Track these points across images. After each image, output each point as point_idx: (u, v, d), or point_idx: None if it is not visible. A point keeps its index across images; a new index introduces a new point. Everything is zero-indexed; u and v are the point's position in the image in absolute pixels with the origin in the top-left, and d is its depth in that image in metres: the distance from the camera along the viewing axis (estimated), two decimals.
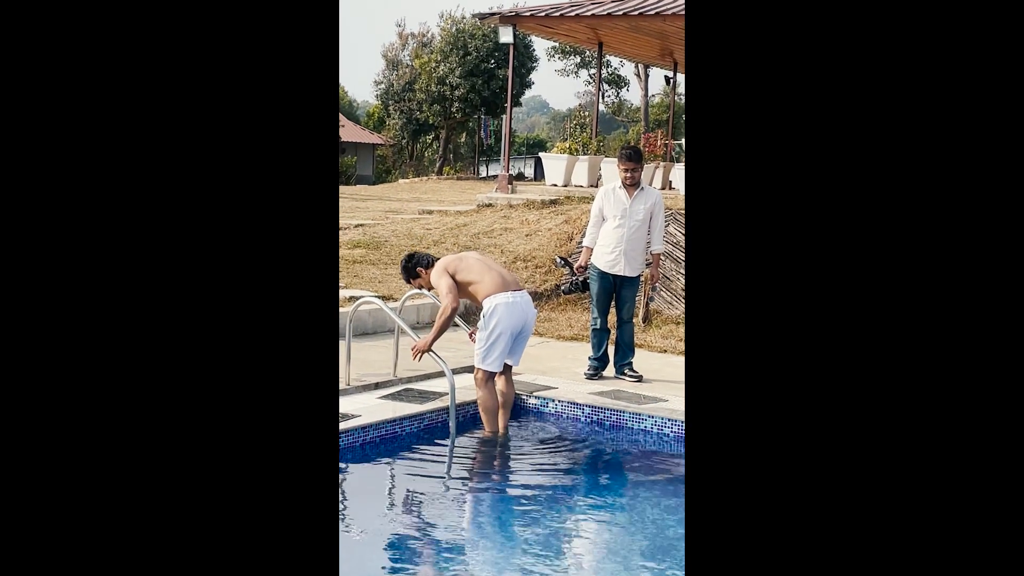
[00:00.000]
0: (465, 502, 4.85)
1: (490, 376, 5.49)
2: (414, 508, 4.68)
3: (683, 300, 9.31)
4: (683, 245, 9.54)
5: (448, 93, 28.04)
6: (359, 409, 5.56)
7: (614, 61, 30.30)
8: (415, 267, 5.72)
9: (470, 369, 5.93)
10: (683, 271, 9.44)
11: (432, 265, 5.64)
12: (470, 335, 5.76)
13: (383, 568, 3.88)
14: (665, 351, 7.89)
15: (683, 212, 9.79)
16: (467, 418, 5.72)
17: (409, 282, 5.86)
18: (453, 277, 5.46)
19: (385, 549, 4.10)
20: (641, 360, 7.12)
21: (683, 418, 5.78)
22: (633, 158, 6.78)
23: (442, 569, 3.94)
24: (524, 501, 4.84)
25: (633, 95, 32.88)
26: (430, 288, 5.77)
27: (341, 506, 4.66)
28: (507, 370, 5.65)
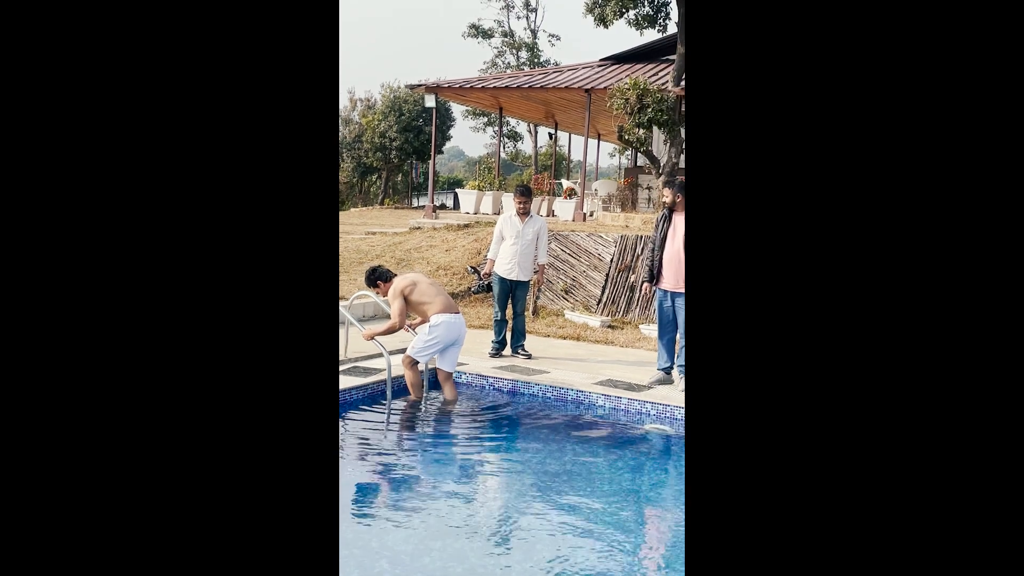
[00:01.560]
0: (399, 447, 4.84)
1: (414, 362, 5.53)
2: (360, 454, 4.64)
3: (560, 298, 9.42)
4: (561, 258, 9.65)
5: (388, 144, 27.76)
6: None
7: (511, 121, 30.42)
8: (376, 279, 5.70)
9: (402, 351, 5.90)
10: (561, 277, 9.55)
11: (390, 280, 5.63)
12: (409, 326, 5.73)
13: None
14: (548, 336, 7.97)
15: (562, 233, 9.90)
16: (399, 388, 5.69)
17: (370, 288, 5.80)
18: (407, 298, 5.46)
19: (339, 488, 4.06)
20: (530, 342, 7.20)
21: (560, 384, 5.86)
22: (525, 193, 6.87)
23: (380, 497, 3.92)
24: (442, 443, 4.85)
25: (526, 146, 33.05)
26: (386, 293, 5.69)
27: None
28: (448, 377, 5.64)
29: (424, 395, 5.66)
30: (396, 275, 5.74)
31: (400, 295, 5.48)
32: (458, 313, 5.61)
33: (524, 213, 6.81)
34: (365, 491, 4.03)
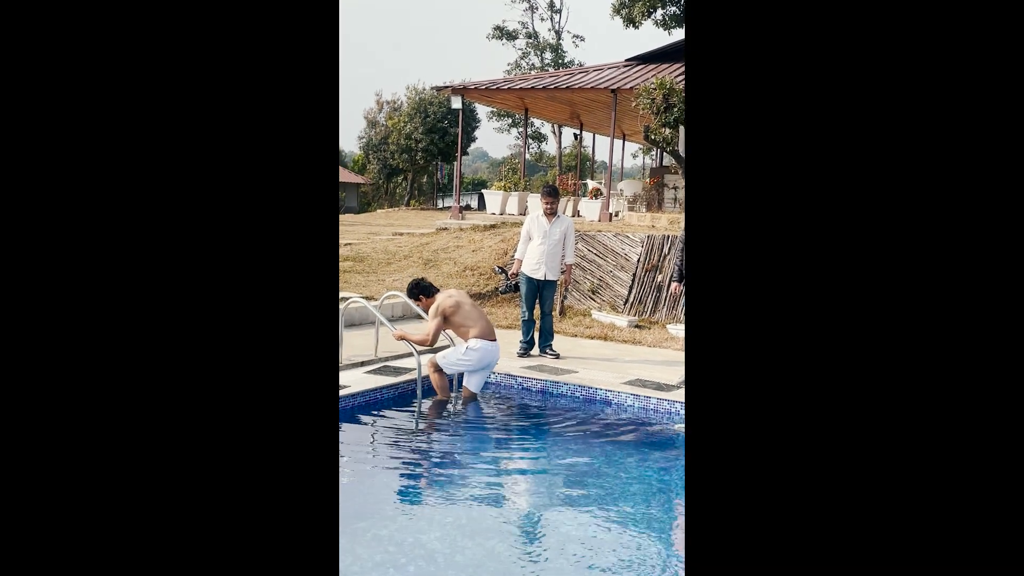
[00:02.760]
0: (429, 446, 4.86)
1: (438, 368, 5.56)
2: (391, 453, 4.68)
3: (587, 298, 9.40)
4: (588, 258, 9.64)
5: (413, 145, 27.90)
6: (350, 381, 5.53)
7: (536, 122, 30.43)
8: (419, 293, 5.70)
9: (431, 352, 5.93)
10: (588, 277, 9.53)
11: (433, 296, 5.63)
12: (398, 337, 5.59)
13: (373, 500, 3.88)
14: (575, 335, 7.97)
15: (588, 233, 9.88)
16: (428, 387, 5.72)
17: (411, 299, 5.79)
18: (447, 317, 5.47)
19: (373, 486, 4.09)
20: (558, 342, 7.20)
21: (589, 384, 5.85)
22: (552, 193, 6.86)
23: (413, 496, 3.95)
24: (472, 443, 4.87)
25: (550, 147, 33.01)
26: (427, 308, 5.69)
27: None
28: (472, 396, 5.66)
29: (452, 395, 5.69)
30: (439, 290, 5.73)
31: (441, 314, 5.48)
32: (495, 341, 5.62)
33: (551, 213, 6.81)
34: (397, 490, 4.06)
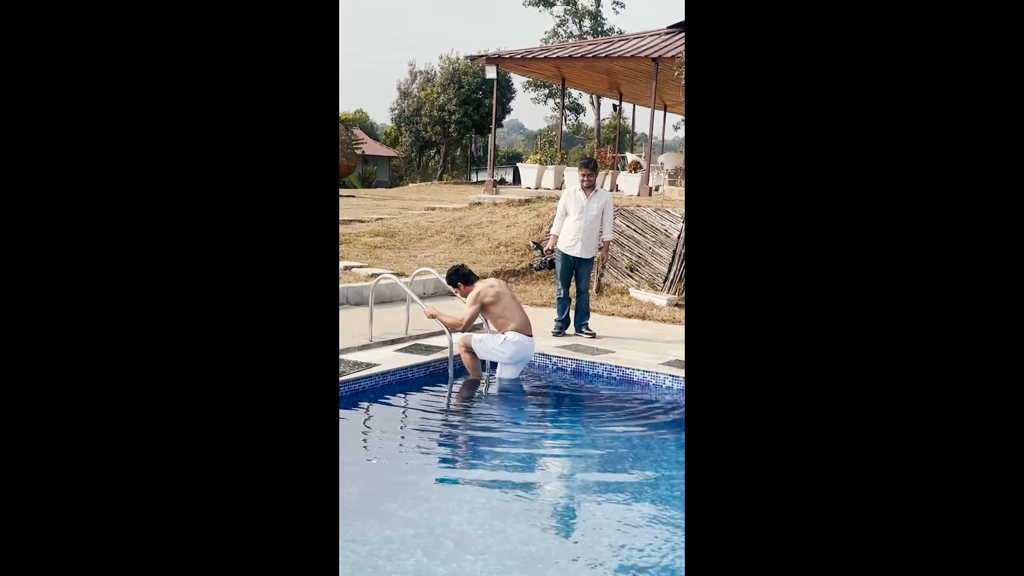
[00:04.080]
0: (461, 425, 4.88)
1: (470, 348, 5.56)
2: (422, 432, 4.70)
3: (625, 276, 9.32)
4: (626, 234, 9.54)
5: (447, 117, 27.84)
6: (379, 359, 5.55)
7: (574, 92, 30.14)
8: (457, 280, 5.69)
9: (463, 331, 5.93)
10: (626, 254, 9.45)
11: (472, 283, 5.63)
12: (429, 314, 5.64)
13: (404, 481, 3.90)
14: (612, 314, 7.91)
15: (627, 209, 9.78)
16: (460, 368, 5.72)
17: (450, 286, 5.78)
18: (486, 307, 5.49)
19: (402, 467, 4.12)
20: (594, 321, 7.15)
21: (626, 364, 5.81)
22: (589, 166, 6.78)
23: (444, 477, 3.96)
24: (505, 424, 4.87)
25: (588, 119, 32.71)
26: (464, 295, 5.68)
27: (364, 434, 4.66)
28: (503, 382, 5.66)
29: (484, 375, 5.69)
30: (479, 279, 5.73)
31: (478, 302, 5.49)
32: (532, 336, 5.62)
33: (589, 187, 6.73)
34: (427, 471, 4.08)
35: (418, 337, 6.33)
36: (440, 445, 4.50)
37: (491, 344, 5.53)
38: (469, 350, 5.59)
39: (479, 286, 5.57)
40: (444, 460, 4.28)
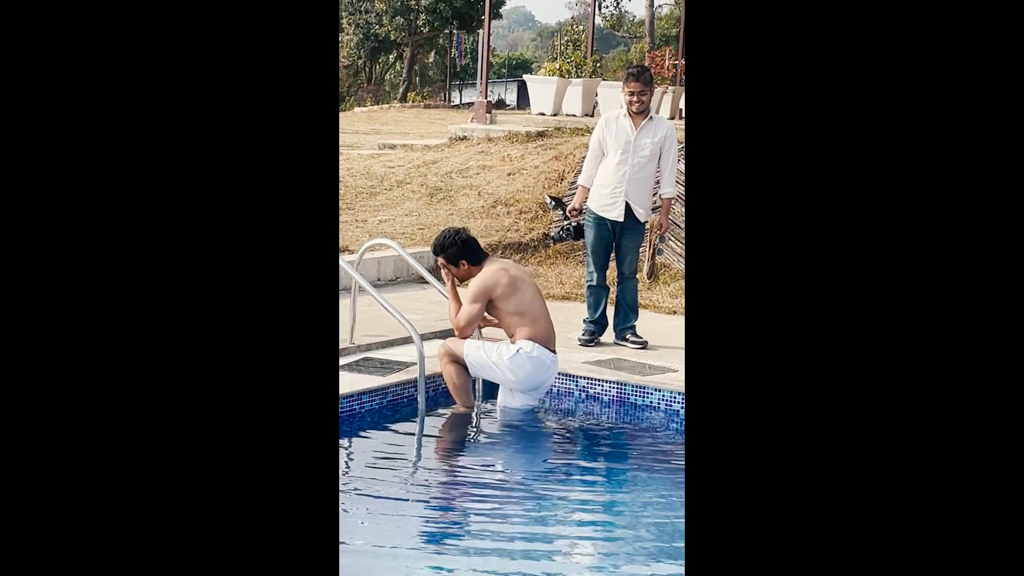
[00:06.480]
0: (436, 497, 4.80)
1: (456, 358, 5.45)
2: (372, 512, 4.59)
3: None
4: None
5: (413, 3, 27.78)
6: None
7: None
8: (459, 256, 5.47)
9: (441, 335, 5.88)
10: None
11: (480, 262, 5.48)
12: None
13: None
14: (675, 312, 7.89)
15: None
16: (438, 392, 5.68)
17: (443, 264, 5.60)
18: (494, 302, 5.39)
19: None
20: (645, 323, 7.13)
21: None
22: (641, 79, 6.69)
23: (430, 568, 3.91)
24: (509, 491, 4.80)
25: (636, 6, 32.66)
26: (462, 279, 5.59)
27: None
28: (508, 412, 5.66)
29: (477, 403, 5.63)
30: (488, 257, 5.60)
31: (485, 297, 5.37)
32: (555, 353, 5.52)
33: (640, 112, 6.67)
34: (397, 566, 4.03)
35: (370, 347, 6.32)
36: (404, 533, 4.40)
37: (493, 357, 5.38)
38: (456, 362, 5.45)
39: (488, 270, 5.43)
40: (417, 551, 4.20)
